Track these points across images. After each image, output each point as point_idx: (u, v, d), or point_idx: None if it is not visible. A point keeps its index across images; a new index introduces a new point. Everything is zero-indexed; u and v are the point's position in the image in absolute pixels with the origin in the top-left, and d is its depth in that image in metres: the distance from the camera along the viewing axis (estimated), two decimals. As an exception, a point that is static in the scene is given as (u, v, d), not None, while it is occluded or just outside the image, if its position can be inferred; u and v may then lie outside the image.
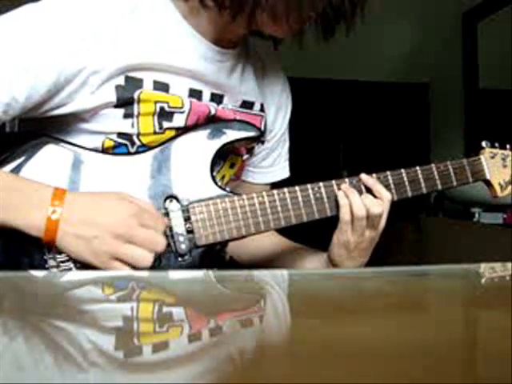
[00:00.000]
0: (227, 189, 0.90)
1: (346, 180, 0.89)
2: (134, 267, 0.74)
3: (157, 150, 0.84)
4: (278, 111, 1.01)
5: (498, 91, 3.13)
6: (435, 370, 0.29)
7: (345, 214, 0.86)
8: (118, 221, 0.74)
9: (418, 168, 0.94)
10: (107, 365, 0.31)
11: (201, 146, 0.85)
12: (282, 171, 1.06)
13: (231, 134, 0.87)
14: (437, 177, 0.94)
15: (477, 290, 0.58)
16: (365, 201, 0.87)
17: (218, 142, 0.86)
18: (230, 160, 0.93)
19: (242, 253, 1.06)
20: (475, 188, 1.05)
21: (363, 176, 0.89)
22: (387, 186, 0.91)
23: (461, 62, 3.31)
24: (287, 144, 1.07)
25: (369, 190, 0.89)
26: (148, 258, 0.74)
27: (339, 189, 0.88)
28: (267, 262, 1.05)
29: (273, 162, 1.05)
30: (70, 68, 0.76)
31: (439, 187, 0.95)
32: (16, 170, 0.79)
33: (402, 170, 0.93)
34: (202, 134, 0.86)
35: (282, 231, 1.01)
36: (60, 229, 0.72)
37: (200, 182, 0.84)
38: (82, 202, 0.75)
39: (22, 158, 0.80)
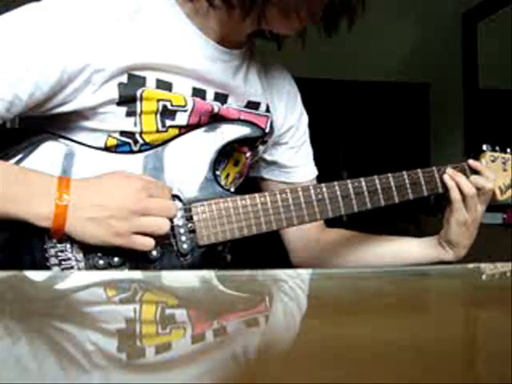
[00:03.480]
0: (232, 188, 0.90)
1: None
2: (155, 237, 0.77)
3: (151, 149, 0.84)
4: (287, 111, 1.01)
5: (497, 91, 3.13)
6: (435, 370, 0.29)
7: (455, 194, 0.93)
8: (129, 197, 0.75)
9: (419, 170, 0.94)
10: (110, 366, 0.31)
11: (197, 143, 0.85)
12: (314, 169, 1.08)
13: (227, 129, 0.86)
14: (438, 180, 0.95)
15: (477, 290, 0.58)
16: (476, 180, 0.94)
17: (214, 137, 0.86)
18: (233, 158, 0.93)
19: (306, 256, 1.07)
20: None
21: (471, 162, 0.97)
22: (389, 188, 0.91)
23: (461, 62, 3.30)
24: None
25: (475, 173, 0.96)
26: (165, 224, 0.77)
27: (342, 189, 0.89)
28: (342, 257, 1.06)
29: (306, 157, 1.06)
30: (73, 66, 0.76)
31: (440, 190, 0.95)
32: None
33: (404, 173, 0.93)
34: (197, 132, 0.86)
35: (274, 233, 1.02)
36: (71, 215, 0.73)
37: (199, 180, 0.84)
38: (89, 187, 0.76)
39: (21, 154, 0.80)
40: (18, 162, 0.79)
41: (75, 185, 0.75)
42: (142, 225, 0.76)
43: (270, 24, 0.83)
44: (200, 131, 0.86)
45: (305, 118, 1.06)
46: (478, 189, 0.94)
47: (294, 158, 1.04)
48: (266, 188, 1.05)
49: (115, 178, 0.78)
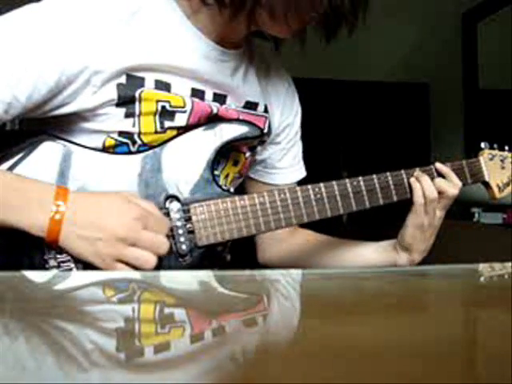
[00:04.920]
0: (231, 188, 0.90)
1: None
2: (138, 269, 0.75)
3: (149, 149, 0.84)
4: (284, 112, 1.01)
5: (497, 91, 3.13)
6: (435, 370, 0.29)
7: (418, 198, 0.93)
8: (122, 224, 0.74)
9: (417, 169, 0.94)
10: (109, 366, 0.31)
11: (195, 143, 0.85)
12: (301, 171, 1.07)
13: (226, 128, 0.86)
14: (436, 176, 0.95)
15: (477, 290, 0.58)
16: (439, 183, 0.93)
17: (213, 137, 0.85)
18: (232, 157, 0.93)
19: (273, 256, 1.07)
20: (475, 188, 1.06)
21: (438, 164, 0.96)
22: (387, 187, 0.91)
23: (461, 62, 3.30)
24: (301, 144, 1.08)
25: (440, 176, 0.95)
26: (151, 261, 0.75)
27: (340, 189, 0.89)
28: (307, 259, 1.06)
29: (291, 161, 1.06)
30: (71, 68, 0.76)
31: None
32: (12, 168, 0.79)
33: (402, 171, 0.93)
34: (196, 132, 0.86)
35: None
36: (63, 228, 0.72)
37: (202, 180, 0.84)
38: (86, 203, 0.75)
39: (19, 156, 0.80)
40: (15, 164, 0.79)
41: (73, 198, 0.74)
42: (127, 255, 0.74)
43: (260, 26, 0.83)
44: (199, 131, 0.86)
45: (299, 119, 1.06)
46: (441, 192, 0.93)
47: (283, 159, 1.04)
48: (250, 188, 1.04)
49: (115, 201, 0.76)
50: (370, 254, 1.01)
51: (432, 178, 0.94)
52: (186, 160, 0.85)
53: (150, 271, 0.76)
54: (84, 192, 0.79)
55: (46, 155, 0.80)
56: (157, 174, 0.83)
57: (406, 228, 0.96)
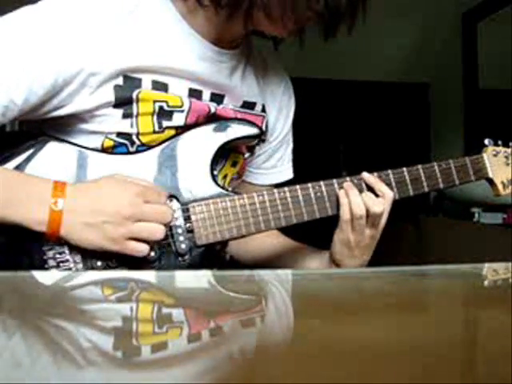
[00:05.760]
0: (229, 188, 0.89)
1: (348, 178, 0.89)
2: (149, 242, 0.76)
3: (162, 147, 0.83)
4: (279, 112, 1.01)
5: (497, 91, 3.13)
6: (435, 370, 0.29)
7: (345, 213, 0.86)
8: (124, 203, 0.75)
9: (419, 166, 0.92)
10: (107, 364, 0.31)
11: (206, 141, 0.85)
12: (285, 173, 1.06)
13: (233, 130, 0.86)
14: (439, 175, 0.93)
15: (477, 290, 0.58)
16: (365, 199, 0.86)
17: (221, 138, 0.85)
18: (231, 158, 0.93)
19: (242, 253, 1.06)
20: (475, 188, 1.05)
21: (365, 174, 0.89)
22: (389, 185, 0.90)
23: (461, 62, 3.31)
24: (291, 146, 1.06)
25: (370, 189, 0.89)
26: (160, 230, 0.77)
27: (340, 187, 0.88)
28: (268, 262, 1.05)
29: (275, 163, 1.04)
30: (67, 70, 0.76)
31: (441, 186, 0.93)
32: (20, 168, 0.79)
33: (404, 169, 0.92)
34: (207, 129, 0.86)
35: (284, 230, 1.01)
36: (66, 220, 0.73)
37: (201, 180, 0.84)
38: (84, 191, 0.76)
39: (25, 156, 0.80)
40: (21, 164, 0.79)
41: (71, 189, 0.74)
42: (136, 231, 0.75)
43: (257, 26, 0.83)
44: (209, 128, 0.86)
45: (291, 120, 1.05)
46: (367, 209, 0.86)
47: (269, 160, 1.03)
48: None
49: (112, 183, 0.77)
50: (313, 264, 0.97)
51: (361, 191, 0.88)
52: (191, 158, 0.84)
53: (148, 267, 0.77)
54: (79, 183, 0.79)
55: (60, 159, 0.81)
56: (164, 172, 0.83)
57: (334, 244, 0.90)
